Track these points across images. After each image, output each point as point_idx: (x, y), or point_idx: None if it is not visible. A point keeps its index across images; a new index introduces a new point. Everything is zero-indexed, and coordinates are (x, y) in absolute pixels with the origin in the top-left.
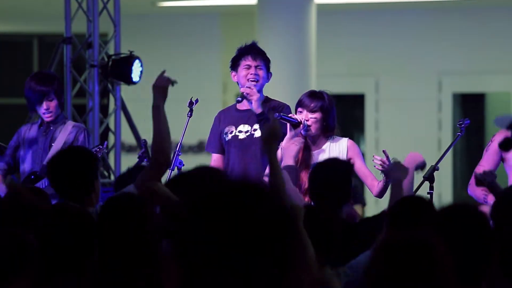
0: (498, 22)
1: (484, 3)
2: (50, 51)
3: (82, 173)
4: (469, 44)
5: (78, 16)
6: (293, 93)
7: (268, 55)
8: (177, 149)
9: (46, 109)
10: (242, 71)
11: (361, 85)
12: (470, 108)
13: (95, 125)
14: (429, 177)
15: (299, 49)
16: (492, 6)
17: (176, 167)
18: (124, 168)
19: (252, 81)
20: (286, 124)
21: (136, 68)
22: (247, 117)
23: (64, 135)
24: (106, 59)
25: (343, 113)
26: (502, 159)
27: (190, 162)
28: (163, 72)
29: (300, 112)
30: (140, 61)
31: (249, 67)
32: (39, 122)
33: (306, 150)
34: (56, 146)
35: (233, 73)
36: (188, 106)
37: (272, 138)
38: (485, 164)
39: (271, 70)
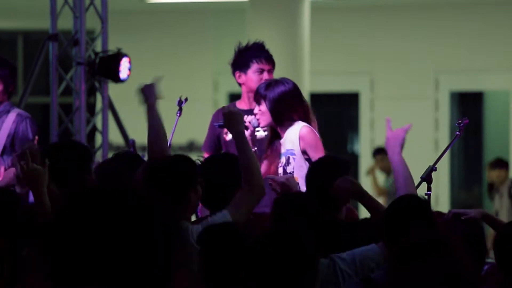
0: (497, 19)
1: None
2: (35, 49)
3: (66, 166)
4: (467, 41)
5: (64, 12)
6: None
7: None
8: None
9: None
10: (253, 74)
11: (356, 83)
12: (468, 107)
13: (82, 124)
14: (427, 178)
15: (292, 47)
16: (490, 3)
17: None
18: None
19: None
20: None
21: (124, 66)
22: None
23: (7, 126)
24: (93, 56)
25: (336, 112)
26: None
27: None
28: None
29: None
30: (128, 58)
31: (262, 71)
32: None
33: (273, 140)
34: (0, 139)
35: (238, 73)
36: (178, 105)
37: (232, 123)
38: None
39: None
